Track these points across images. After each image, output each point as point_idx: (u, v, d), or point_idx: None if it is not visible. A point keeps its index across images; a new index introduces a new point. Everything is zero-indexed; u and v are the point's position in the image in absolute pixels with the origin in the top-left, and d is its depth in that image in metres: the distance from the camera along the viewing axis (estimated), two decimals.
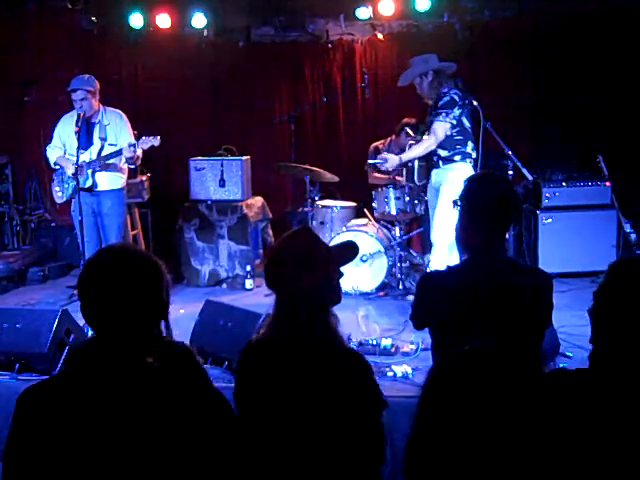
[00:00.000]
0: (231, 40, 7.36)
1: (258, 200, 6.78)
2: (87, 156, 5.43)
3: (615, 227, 6.06)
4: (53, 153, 5.60)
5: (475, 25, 6.98)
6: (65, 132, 5.56)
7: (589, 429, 1.54)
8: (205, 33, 7.23)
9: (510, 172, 5.59)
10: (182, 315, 5.15)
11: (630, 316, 1.60)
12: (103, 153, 5.43)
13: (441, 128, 4.93)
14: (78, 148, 5.22)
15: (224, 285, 6.49)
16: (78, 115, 5.32)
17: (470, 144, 5.04)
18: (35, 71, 7.38)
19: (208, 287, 6.45)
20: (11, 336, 4.19)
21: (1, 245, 7.25)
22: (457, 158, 5.00)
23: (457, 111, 4.95)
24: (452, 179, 4.92)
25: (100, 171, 5.47)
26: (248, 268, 6.30)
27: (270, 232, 6.99)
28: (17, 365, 4.12)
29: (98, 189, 5.50)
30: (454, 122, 4.95)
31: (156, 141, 5.29)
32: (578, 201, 6.19)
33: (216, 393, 1.76)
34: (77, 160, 5.22)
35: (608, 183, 6.12)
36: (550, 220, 6.17)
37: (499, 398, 1.34)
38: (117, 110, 5.59)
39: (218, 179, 6.45)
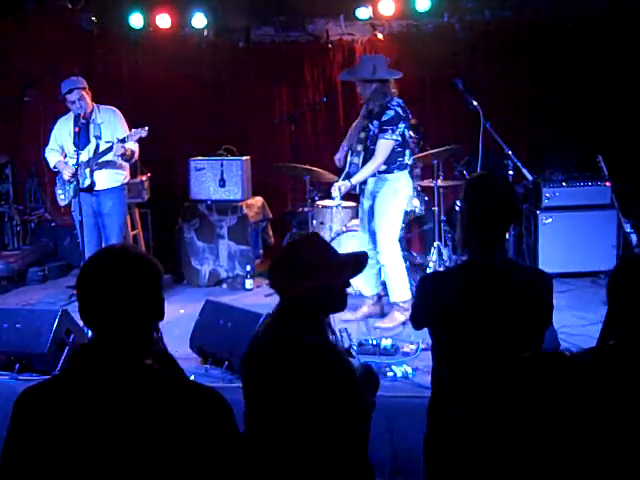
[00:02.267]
0: (231, 40, 7.36)
1: (258, 200, 6.79)
2: (85, 155, 5.43)
3: (615, 227, 6.05)
4: (51, 156, 5.61)
5: (475, 25, 6.97)
6: (61, 134, 5.57)
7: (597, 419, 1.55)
8: (205, 33, 7.23)
9: (510, 172, 5.59)
10: (182, 315, 5.16)
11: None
12: (99, 151, 5.43)
13: (388, 146, 4.86)
14: (76, 149, 5.22)
15: (224, 285, 6.50)
16: (77, 115, 5.33)
17: (407, 153, 5.01)
18: (35, 71, 7.38)
19: (208, 287, 6.45)
20: (11, 336, 4.20)
21: (1, 245, 7.25)
22: (395, 171, 4.97)
23: (402, 126, 4.87)
24: (393, 189, 4.96)
25: (98, 169, 5.46)
26: (248, 268, 6.30)
27: (270, 232, 6.99)
28: (17, 365, 4.13)
29: (97, 188, 5.50)
30: (400, 139, 4.89)
31: (144, 132, 5.27)
32: (578, 201, 6.19)
33: (215, 394, 1.76)
34: (77, 160, 5.23)
35: (608, 183, 6.11)
36: (550, 220, 6.17)
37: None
38: (110, 107, 5.58)
39: (218, 179, 6.46)
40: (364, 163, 4.97)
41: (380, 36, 7.21)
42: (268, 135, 7.47)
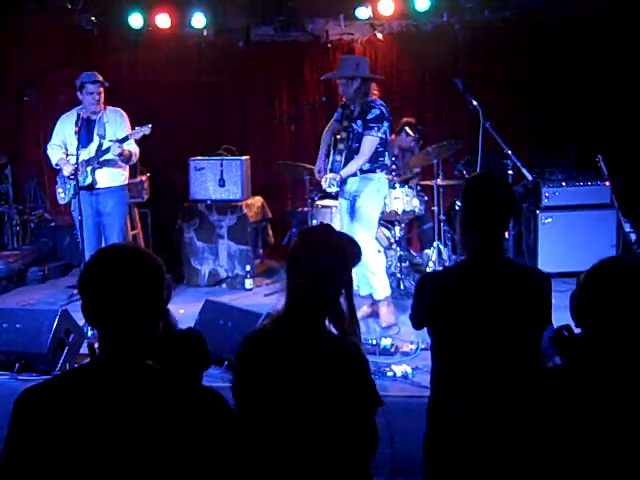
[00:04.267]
0: (231, 40, 7.36)
1: (258, 200, 6.79)
2: (86, 154, 5.43)
3: (615, 227, 6.06)
4: (53, 153, 5.60)
5: (475, 25, 6.98)
6: (64, 131, 5.57)
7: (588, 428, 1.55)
8: (205, 33, 7.23)
9: (510, 172, 5.59)
10: (182, 315, 5.15)
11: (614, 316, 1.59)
12: (102, 149, 5.43)
13: (373, 143, 4.91)
14: (78, 147, 5.22)
15: (224, 285, 6.50)
16: (78, 115, 5.34)
17: (387, 154, 5.09)
18: (35, 71, 7.38)
19: (208, 287, 6.45)
20: (11, 336, 4.20)
21: (1, 245, 7.25)
22: (377, 171, 5.02)
23: (386, 124, 4.94)
24: (375, 188, 5.01)
25: (99, 168, 5.47)
26: (248, 268, 6.30)
27: (270, 232, 6.99)
28: (17, 365, 4.13)
29: (98, 186, 5.50)
30: (383, 137, 4.95)
31: (147, 129, 5.30)
32: (578, 201, 6.20)
33: (216, 394, 1.76)
34: (77, 159, 5.23)
35: (608, 183, 6.12)
36: (550, 220, 6.17)
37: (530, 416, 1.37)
38: (118, 108, 5.61)
39: (218, 179, 6.46)
40: (346, 161, 5.00)
41: (380, 36, 7.21)
42: (268, 135, 7.48)
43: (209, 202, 6.48)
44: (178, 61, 7.19)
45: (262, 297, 5.89)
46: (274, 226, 7.05)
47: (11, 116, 7.50)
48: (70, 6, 6.75)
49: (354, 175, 5.01)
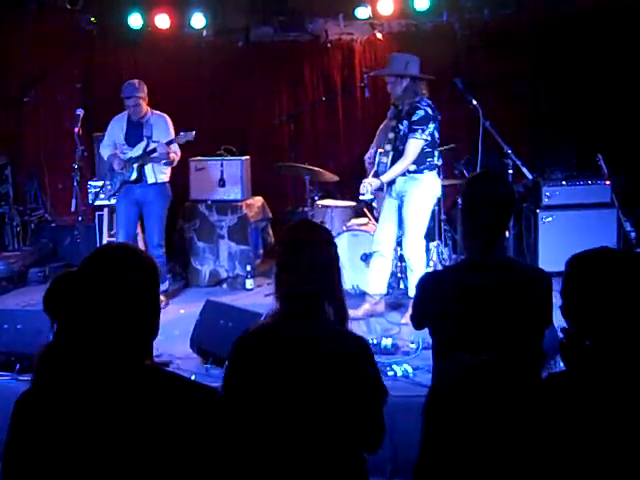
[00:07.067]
0: (230, 40, 7.36)
1: (258, 200, 6.79)
2: (136, 152, 5.66)
3: (615, 226, 6.06)
4: (105, 152, 5.85)
5: (474, 24, 6.98)
6: (114, 132, 5.80)
7: (584, 430, 1.54)
8: (204, 33, 7.23)
9: (510, 171, 5.58)
10: (183, 315, 5.15)
11: (597, 311, 1.59)
12: (148, 149, 5.63)
13: (417, 146, 4.89)
14: (127, 145, 5.63)
15: (224, 285, 6.49)
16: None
17: (436, 154, 5.05)
18: (35, 71, 7.38)
19: (208, 287, 6.45)
20: (12, 337, 4.21)
21: (1, 246, 7.24)
22: (425, 171, 4.99)
23: (431, 126, 4.90)
24: (422, 188, 5.00)
25: (145, 164, 5.66)
26: (248, 268, 6.30)
27: (270, 232, 6.99)
28: (18, 366, 4.13)
29: (144, 180, 5.70)
30: (429, 138, 4.91)
31: (191, 136, 5.51)
32: (578, 200, 6.19)
33: (213, 392, 1.76)
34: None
35: (608, 182, 6.11)
36: (550, 219, 6.17)
37: (502, 411, 1.35)
38: (163, 114, 5.77)
39: (218, 179, 6.46)
40: (393, 163, 4.98)
41: (379, 35, 7.21)
42: (268, 135, 7.47)
43: (209, 202, 6.48)
44: (178, 61, 7.20)
45: (263, 297, 5.88)
46: (274, 226, 7.05)
47: (11, 116, 7.49)
48: (70, 6, 6.75)
49: (402, 175, 5.00)
